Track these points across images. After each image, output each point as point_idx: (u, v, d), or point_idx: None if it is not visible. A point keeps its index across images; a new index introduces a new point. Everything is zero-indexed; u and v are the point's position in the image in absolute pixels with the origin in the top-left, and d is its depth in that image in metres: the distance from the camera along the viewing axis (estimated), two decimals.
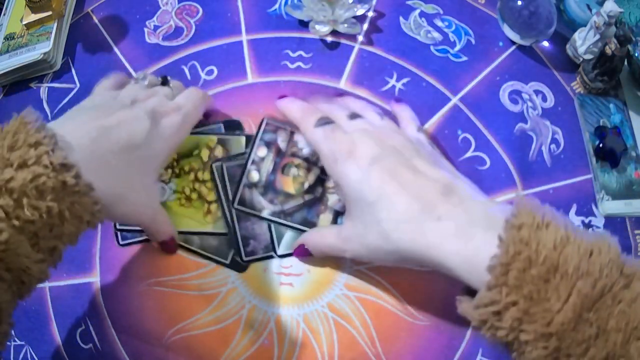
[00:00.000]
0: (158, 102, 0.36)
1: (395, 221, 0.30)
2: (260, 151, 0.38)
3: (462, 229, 0.28)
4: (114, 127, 0.32)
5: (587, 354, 0.24)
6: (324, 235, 0.37)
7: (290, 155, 0.38)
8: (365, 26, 0.48)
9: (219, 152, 0.40)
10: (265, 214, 0.39)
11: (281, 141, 0.38)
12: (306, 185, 0.39)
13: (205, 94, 0.41)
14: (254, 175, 0.39)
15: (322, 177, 0.39)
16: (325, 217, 0.39)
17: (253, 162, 0.38)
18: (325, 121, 0.35)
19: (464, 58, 0.47)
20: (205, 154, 0.40)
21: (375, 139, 0.33)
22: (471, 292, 0.28)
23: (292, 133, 0.38)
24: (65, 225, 0.28)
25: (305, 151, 0.37)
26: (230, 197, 0.39)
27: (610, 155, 0.44)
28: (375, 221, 0.31)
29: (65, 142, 0.28)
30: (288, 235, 0.39)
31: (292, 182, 0.39)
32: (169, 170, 0.40)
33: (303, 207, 0.39)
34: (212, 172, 0.39)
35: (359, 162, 0.32)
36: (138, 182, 0.33)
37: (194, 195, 0.40)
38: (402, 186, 0.30)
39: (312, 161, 0.38)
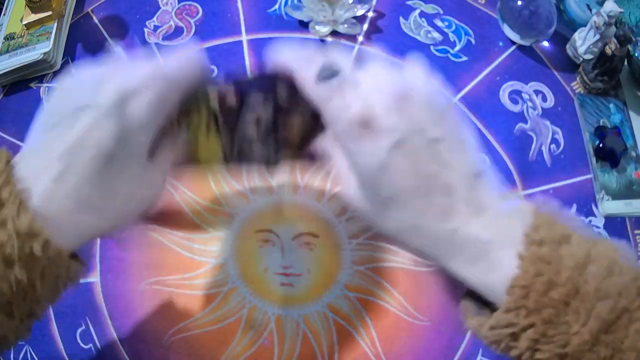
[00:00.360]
0: (124, 79, 0.27)
1: (406, 224, 0.27)
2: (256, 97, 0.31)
3: (478, 242, 0.25)
4: (76, 148, 0.26)
5: None
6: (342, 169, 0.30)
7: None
8: (365, 26, 0.48)
9: (230, 98, 0.32)
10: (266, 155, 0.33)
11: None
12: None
13: (201, 55, 0.31)
14: (252, 116, 0.32)
15: None
16: None
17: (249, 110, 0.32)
18: (329, 72, 0.28)
19: (464, 58, 0.47)
20: (214, 102, 0.33)
21: (397, 101, 0.26)
22: (473, 293, 0.27)
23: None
24: (40, 291, 0.25)
25: None
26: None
27: (610, 155, 0.44)
28: (385, 215, 0.27)
29: (32, 199, 0.25)
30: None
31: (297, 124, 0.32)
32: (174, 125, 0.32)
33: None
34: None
35: (377, 142, 0.26)
36: (127, 184, 0.28)
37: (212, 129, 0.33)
38: (423, 185, 0.26)
39: None
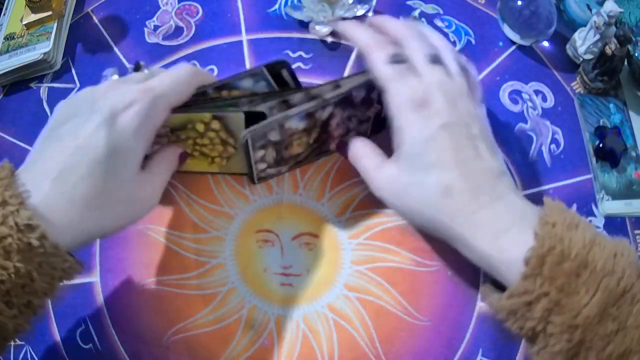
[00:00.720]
0: (117, 95, 0.32)
1: (440, 195, 0.30)
2: (258, 154, 0.37)
3: (500, 222, 0.29)
4: (71, 155, 0.29)
5: (607, 348, 0.26)
6: (366, 155, 0.36)
7: (289, 136, 0.37)
8: None
9: (215, 125, 0.37)
10: (285, 170, 0.41)
11: (274, 136, 0.36)
12: (312, 141, 0.38)
13: (194, 70, 0.36)
14: (262, 166, 0.38)
15: (324, 128, 0.38)
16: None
17: (256, 162, 0.38)
18: (399, 58, 0.33)
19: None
20: (200, 127, 0.38)
21: (450, 100, 0.32)
22: (491, 282, 0.30)
23: (281, 126, 0.36)
24: (37, 283, 0.28)
25: (301, 126, 0.36)
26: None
27: (610, 155, 0.44)
28: (421, 185, 0.31)
29: (32, 199, 0.28)
30: None
31: (298, 147, 0.38)
32: (165, 139, 0.38)
33: (314, 151, 0.40)
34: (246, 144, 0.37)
35: (430, 119, 0.31)
36: (123, 189, 0.32)
37: (196, 154, 0.39)
38: (460, 163, 0.30)
39: (308, 128, 0.37)
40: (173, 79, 0.34)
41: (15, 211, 0.27)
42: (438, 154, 0.31)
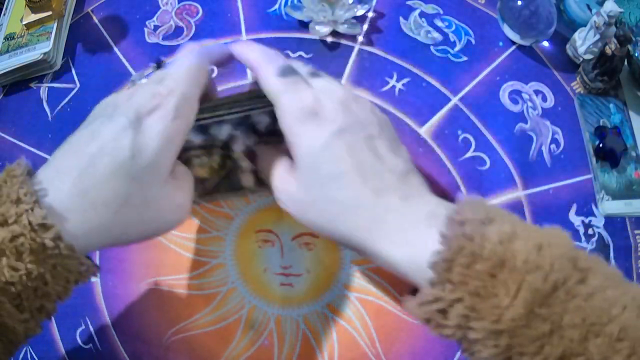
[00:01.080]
0: (141, 99, 0.30)
1: (343, 205, 0.29)
2: None
3: (408, 224, 0.27)
4: (94, 156, 0.28)
5: (541, 351, 0.23)
6: (272, 167, 0.33)
7: (184, 151, 0.34)
8: (365, 27, 0.48)
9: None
10: (195, 198, 0.37)
11: None
12: (215, 166, 0.37)
13: (201, 52, 0.33)
14: None
15: (226, 153, 0.36)
16: (247, 178, 0.38)
17: None
18: (288, 71, 0.31)
19: (464, 58, 0.47)
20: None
21: (342, 104, 0.30)
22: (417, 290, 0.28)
23: None
24: (50, 286, 0.26)
25: (195, 139, 0.34)
26: None
27: (610, 155, 0.44)
28: (323, 198, 0.29)
29: (48, 198, 0.27)
30: None
31: (200, 170, 0.37)
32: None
33: (223, 181, 0.38)
34: None
35: (322, 128, 0.29)
36: (145, 195, 0.30)
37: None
38: (359, 168, 0.29)
39: (208, 145, 0.35)
40: (187, 73, 0.32)
41: (29, 209, 0.25)
42: (334, 163, 0.29)
